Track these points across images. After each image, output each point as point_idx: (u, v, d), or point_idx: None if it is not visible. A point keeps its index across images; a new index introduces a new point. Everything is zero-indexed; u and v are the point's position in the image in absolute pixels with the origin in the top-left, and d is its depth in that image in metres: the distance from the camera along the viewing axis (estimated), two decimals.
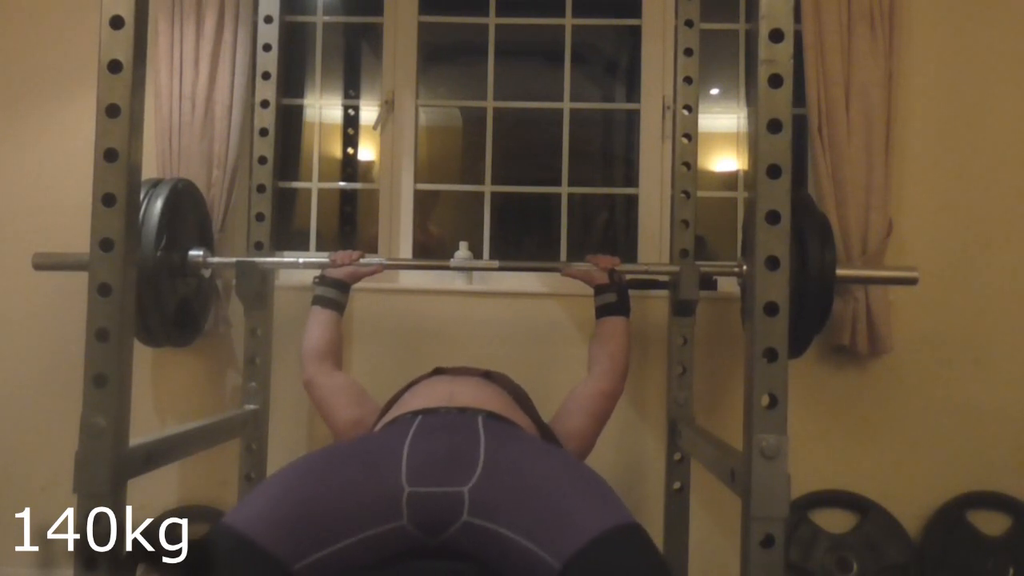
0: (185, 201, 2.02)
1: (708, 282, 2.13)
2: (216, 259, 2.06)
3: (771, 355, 1.30)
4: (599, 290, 1.89)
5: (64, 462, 1.37)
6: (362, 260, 1.95)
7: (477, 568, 1.18)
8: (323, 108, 2.59)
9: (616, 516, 1.11)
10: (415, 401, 1.51)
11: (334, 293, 1.89)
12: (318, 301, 1.88)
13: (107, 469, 1.32)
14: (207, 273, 2.10)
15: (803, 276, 1.70)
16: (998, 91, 2.31)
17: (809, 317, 1.74)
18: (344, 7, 2.64)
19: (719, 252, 2.60)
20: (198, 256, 2.01)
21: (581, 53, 2.57)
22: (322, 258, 2.03)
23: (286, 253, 2.40)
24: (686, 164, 2.20)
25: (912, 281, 1.85)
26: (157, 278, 1.86)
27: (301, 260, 2.13)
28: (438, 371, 1.71)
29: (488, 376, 1.66)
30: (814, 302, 1.72)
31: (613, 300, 1.87)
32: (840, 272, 1.77)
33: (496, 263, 2.07)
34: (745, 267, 1.73)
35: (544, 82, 2.56)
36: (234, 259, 2.07)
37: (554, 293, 2.33)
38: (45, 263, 1.98)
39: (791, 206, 1.54)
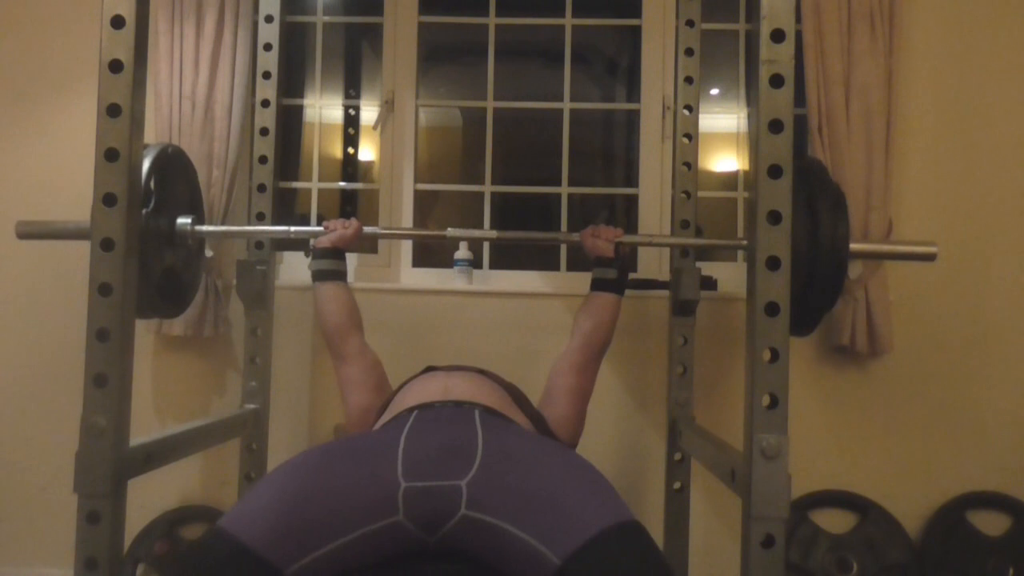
0: (175, 166, 1.92)
1: (708, 282, 2.13)
2: (206, 227, 1.97)
3: (772, 355, 1.30)
4: (599, 262, 1.82)
5: (64, 462, 1.37)
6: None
7: (476, 570, 1.18)
8: (323, 108, 2.59)
9: (617, 513, 1.10)
10: (409, 399, 1.50)
11: (330, 263, 1.83)
12: (319, 276, 1.82)
13: (107, 469, 1.32)
14: (194, 244, 2.00)
15: (815, 250, 1.60)
16: (998, 90, 2.32)
17: (820, 293, 1.64)
18: (344, 7, 2.64)
19: (719, 252, 2.60)
20: (186, 224, 1.88)
21: (581, 53, 2.58)
22: (313, 227, 1.95)
23: (286, 253, 2.40)
24: (686, 164, 2.20)
25: (930, 256, 1.70)
26: (143, 242, 1.69)
27: (292, 229, 2.00)
28: (430, 369, 1.71)
29: (483, 372, 1.65)
30: (826, 277, 1.62)
31: (612, 276, 1.80)
32: (854, 247, 1.65)
33: (494, 233, 1.97)
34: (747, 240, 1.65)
35: (544, 82, 2.56)
36: (222, 228, 2.01)
37: (555, 293, 2.33)
38: (30, 231, 1.86)
39: (803, 174, 1.49)
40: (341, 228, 1.86)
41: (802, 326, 1.66)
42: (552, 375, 1.74)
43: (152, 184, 1.76)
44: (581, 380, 1.72)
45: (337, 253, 1.85)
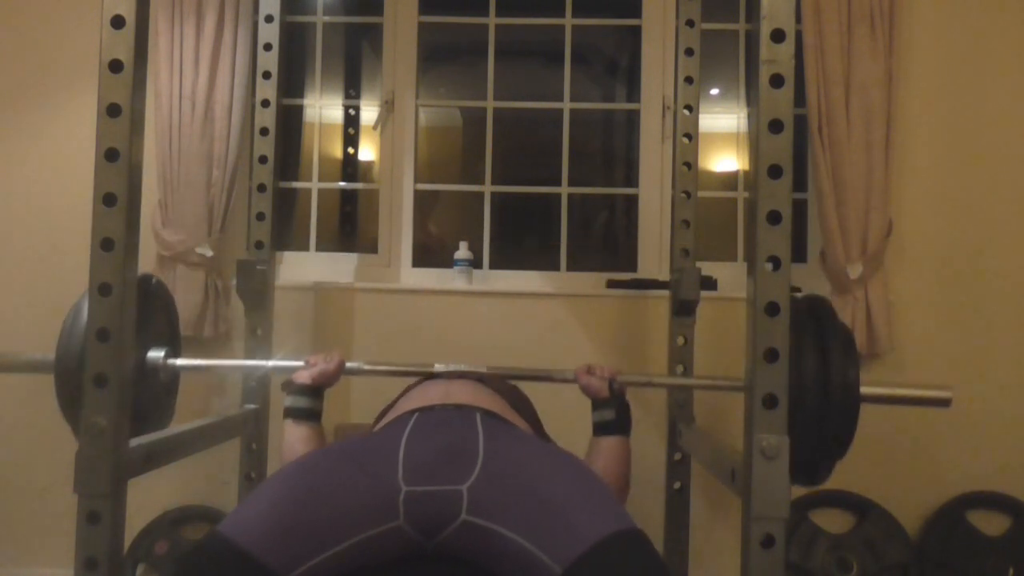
0: (153, 297, 1.76)
1: (708, 282, 2.13)
2: (180, 361, 1.76)
3: (771, 355, 1.30)
4: (596, 404, 1.66)
5: (64, 463, 1.37)
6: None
7: (476, 572, 1.17)
8: (323, 108, 2.59)
9: (618, 521, 1.09)
10: (410, 404, 1.50)
11: (305, 401, 1.63)
12: (290, 414, 1.63)
13: (107, 469, 1.32)
14: (166, 378, 1.77)
15: (826, 398, 1.47)
16: (998, 90, 2.32)
17: (832, 443, 1.51)
18: (344, 7, 2.64)
19: (719, 252, 2.60)
20: (158, 357, 1.68)
21: (581, 53, 2.58)
22: (294, 361, 1.74)
23: (286, 253, 2.40)
24: (686, 164, 2.20)
25: (946, 402, 1.60)
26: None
27: (270, 363, 1.89)
28: (432, 376, 1.70)
29: (482, 380, 1.65)
30: (838, 426, 1.49)
31: (611, 418, 1.64)
32: (866, 391, 1.51)
33: (484, 368, 1.72)
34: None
35: (544, 82, 2.56)
36: (197, 362, 1.84)
37: (555, 293, 2.33)
38: None
39: (810, 314, 1.48)
40: (323, 363, 1.68)
41: (813, 477, 1.55)
42: None
43: None
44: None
45: (315, 392, 1.66)
